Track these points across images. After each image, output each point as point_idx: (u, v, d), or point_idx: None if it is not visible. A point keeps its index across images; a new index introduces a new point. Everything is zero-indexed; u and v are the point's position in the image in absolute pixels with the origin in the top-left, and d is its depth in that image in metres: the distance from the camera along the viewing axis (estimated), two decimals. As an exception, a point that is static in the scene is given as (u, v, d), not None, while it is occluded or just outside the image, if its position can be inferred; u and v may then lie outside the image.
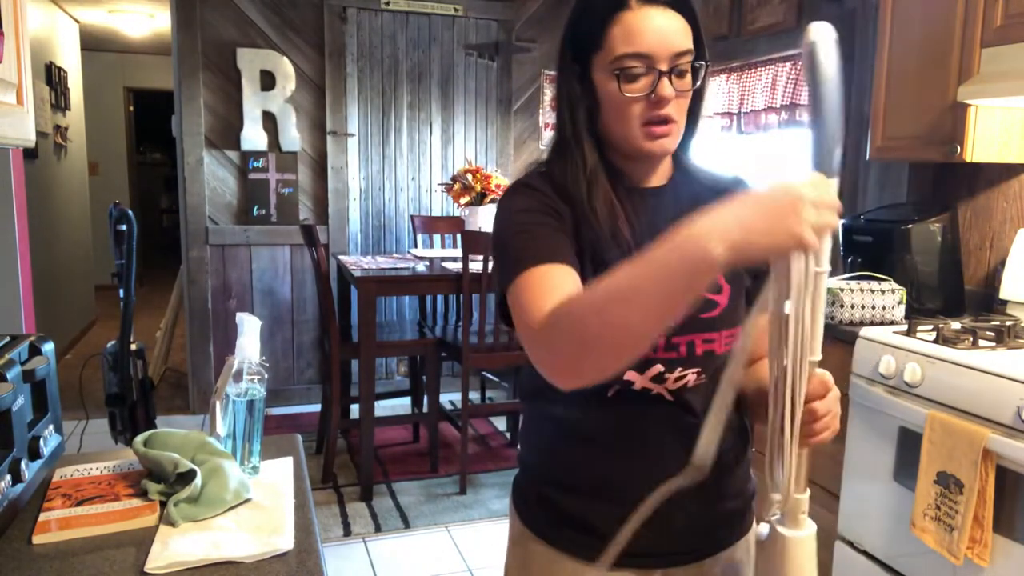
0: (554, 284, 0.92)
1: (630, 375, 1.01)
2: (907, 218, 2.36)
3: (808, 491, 0.92)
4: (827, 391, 0.90)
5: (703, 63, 1.00)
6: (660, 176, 1.08)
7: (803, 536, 0.93)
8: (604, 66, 0.98)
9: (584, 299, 0.84)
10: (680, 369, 1.02)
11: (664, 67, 0.96)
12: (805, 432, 0.89)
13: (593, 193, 1.01)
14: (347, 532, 2.92)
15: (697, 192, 1.09)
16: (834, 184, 0.81)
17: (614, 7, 0.96)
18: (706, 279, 0.76)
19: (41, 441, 1.09)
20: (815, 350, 0.86)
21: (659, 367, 1.01)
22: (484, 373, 4.35)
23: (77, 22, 6.23)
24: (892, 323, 2.20)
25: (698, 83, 1.01)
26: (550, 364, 0.88)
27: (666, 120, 0.98)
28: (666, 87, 0.96)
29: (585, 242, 1.01)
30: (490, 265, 3.13)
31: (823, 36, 0.80)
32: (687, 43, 0.97)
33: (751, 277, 1.10)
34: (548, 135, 4.53)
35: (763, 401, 0.93)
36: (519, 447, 1.20)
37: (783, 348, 0.86)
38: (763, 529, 0.96)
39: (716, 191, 1.10)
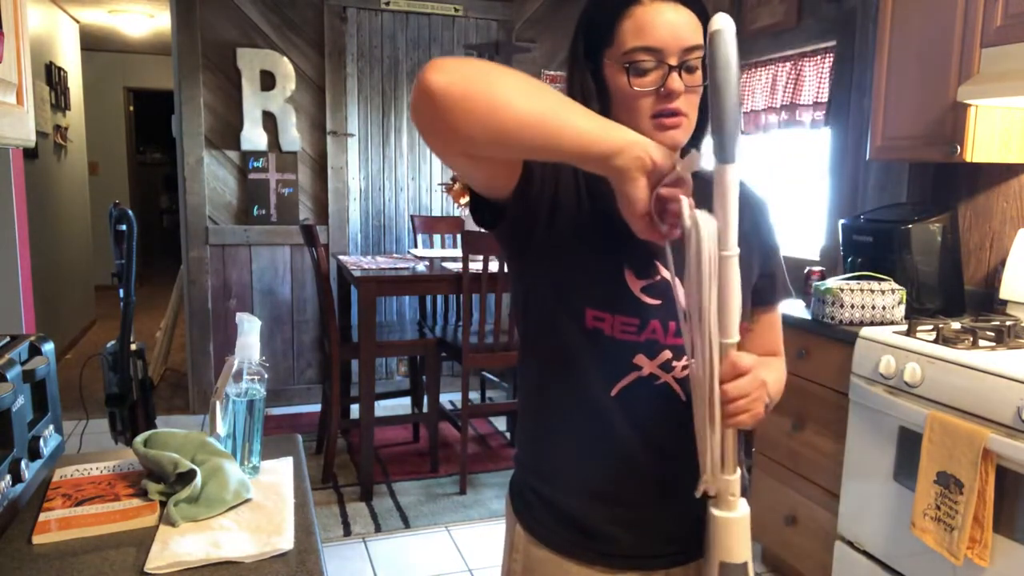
0: None
1: (639, 359, 1.01)
2: (907, 218, 2.36)
3: (738, 472, 0.91)
4: (737, 373, 0.88)
5: None
6: None
7: (734, 517, 0.92)
8: (614, 60, 0.98)
9: (500, 79, 0.90)
10: (687, 358, 1.02)
11: (674, 61, 0.95)
12: (721, 414, 0.89)
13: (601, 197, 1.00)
14: (347, 532, 2.92)
15: (706, 192, 1.08)
16: (734, 170, 0.85)
17: (626, 2, 0.97)
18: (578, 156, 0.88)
19: (41, 441, 1.09)
20: (729, 332, 0.87)
21: (668, 353, 1.02)
22: (484, 373, 4.35)
23: (77, 22, 6.23)
24: (892, 323, 2.20)
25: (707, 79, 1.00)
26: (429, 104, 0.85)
27: (675, 113, 0.97)
28: (675, 81, 0.96)
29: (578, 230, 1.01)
30: (491, 265, 3.16)
31: (727, 25, 0.82)
32: (697, 38, 0.96)
33: (758, 275, 1.10)
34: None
35: None
36: (516, 446, 1.19)
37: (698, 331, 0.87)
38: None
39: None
